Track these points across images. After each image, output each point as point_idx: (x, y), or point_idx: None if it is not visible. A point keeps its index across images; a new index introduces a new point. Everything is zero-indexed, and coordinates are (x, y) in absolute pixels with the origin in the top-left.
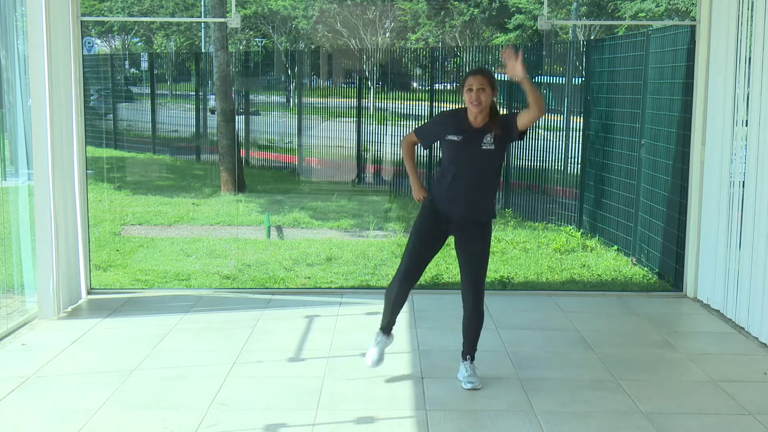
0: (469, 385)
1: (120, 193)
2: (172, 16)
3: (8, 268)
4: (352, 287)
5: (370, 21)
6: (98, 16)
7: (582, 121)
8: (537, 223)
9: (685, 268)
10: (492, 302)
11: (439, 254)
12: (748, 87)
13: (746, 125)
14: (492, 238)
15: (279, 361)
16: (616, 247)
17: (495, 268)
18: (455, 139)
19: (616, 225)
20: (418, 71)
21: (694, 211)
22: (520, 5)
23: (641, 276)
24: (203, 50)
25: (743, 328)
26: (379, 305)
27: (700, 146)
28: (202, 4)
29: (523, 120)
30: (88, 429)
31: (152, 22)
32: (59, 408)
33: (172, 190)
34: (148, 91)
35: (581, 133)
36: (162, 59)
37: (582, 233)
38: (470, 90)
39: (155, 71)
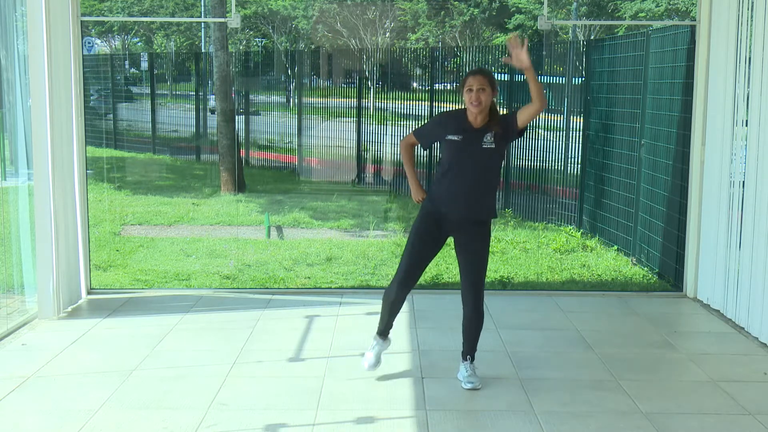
0: (469, 385)
1: (120, 193)
2: (172, 16)
3: (8, 268)
4: (352, 287)
5: (370, 21)
6: (98, 16)
7: (582, 121)
8: (537, 223)
9: (685, 268)
10: (492, 302)
11: (439, 254)
12: (748, 87)
13: (746, 125)
14: (492, 238)
15: (279, 361)
16: (616, 247)
17: (495, 268)
18: (455, 138)
19: (616, 225)
20: (418, 71)
21: (694, 211)
22: (520, 5)
23: (641, 276)
24: (203, 50)
25: (743, 328)
26: (379, 305)
27: (700, 146)
28: (202, 4)
29: (523, 115)
30: (88, 429)
31: (152, 22)
32: (59, 408)
33: (172, 190)
34: (148, 91)
35: (581, 133)
36: (162, 59)
37: (582, 233)
38: (470, 90)
39: (155, 71)
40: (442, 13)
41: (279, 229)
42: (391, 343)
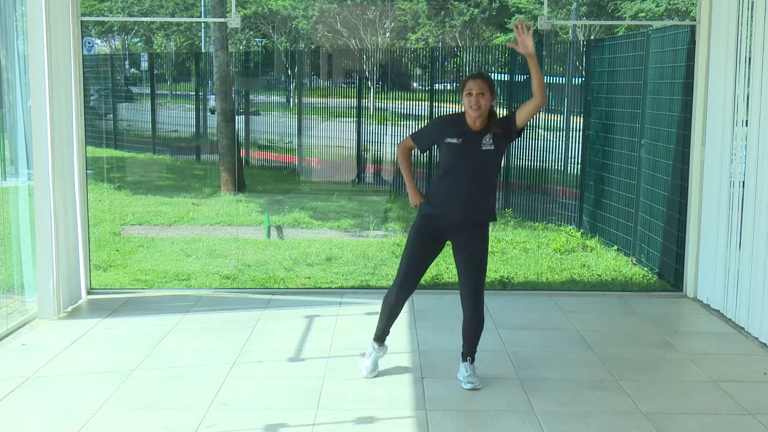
0: (469, 385)
1: (120, 193)
2: (172, 16)
3: (8, 268)
4: (352, 287)
5: (370, 21)
6: (98, 16)
7: (582, 121)
8: (537, 223)
9: (685, 268)
10: (492, 302)
11: (439, 254)
12: (748, 87)
13: (746, 125)
14: (492, 238)
15: (279, 361)
16: (616, 247)
17: (495, 268)
18: (455, 141)
19: (616, 225)
20: (418, 71)
21: (694, 211)
22: (520, 5)
23: (641, 276)
24: (203, 50)
25: (743, 328)
26: (378, 305)
27: (700, 146)
28: (202, 4)
29: (523, 113)
30: (88, 429)
31: (152, 22)
32: (59, 408)
33: (172, 190)
34: (148, 91)
35: (581, 133)
36: (162, 59)
37: (582, 233)
38: (470, 94)
39: (155, 71)
40: (442, 13)
41: (279, 229)
42: (388, 349)
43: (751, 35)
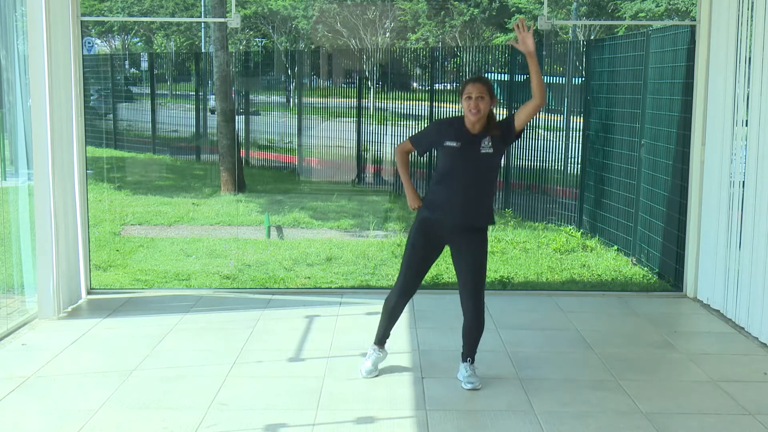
0: (469, 386)
1: (120, 193)
2: (172, 16)
3: (8, 268)
4: (352, 287)
5: (370, 21)
6: (98, 16)
7: (582, 121)
8: (537, 223)
9: (685, 268)
10: (492, 302)
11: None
12: (748, 87)
13: (746, 125)
14: (492, 238)
15: (279, 361)
16: (616, 247)
17: (495, 268)
18: (454, 145)
19: (616, 225)
20: (418, 71)
21: (694, 211)
22: (520, 5)
23: (641, 276)
24: (203, 50)
25: (743, 328)
26: (378, 305)
27: (700, 146)
28: (202, 4)
29: (522, 115)
30: (88, 429)
31: (152, 22)
32: (59, 408)
33: (172, 190)
34: (148, 91)
35: (581, 133)
36: (162, 59)
37: (582, 233)
38: (469, 98)
39: (155, 71)
40: (442, 13)
41: (279, 229)
42: (388, 354)
43: (751, 35)
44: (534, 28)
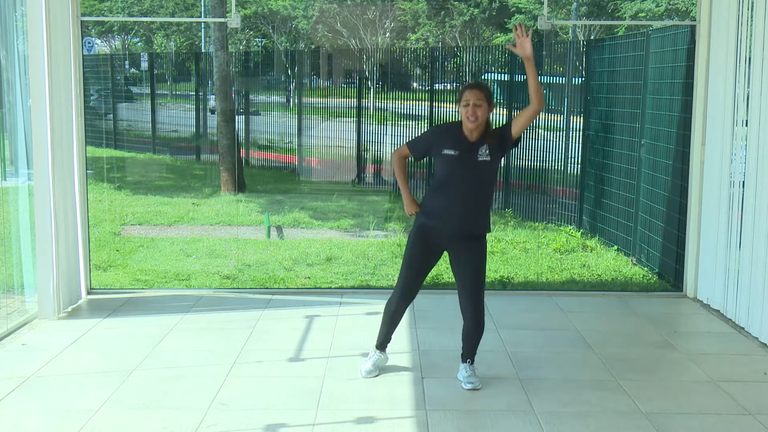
0: (469, 386)
1: (120, 193)
2: (172, 16)
3: (8, 268)
4: (352, 287)
5: (370, 21)
6: (98, 16)
7: (582, 121)
8: (537, 223)
9: (685, 268)
10: (492, 302)
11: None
12: (748, 87)
13: (746, 125)
14: (492, 238)
15: (279, 361)
16: (616, 247)
17: (495, 268)
18: (452, 153)
19: (616, 225)
20: (418, 71)
21: (694, 211)
22: (520, 5)
23: (641, 276)
24: (203, 50)
25: (743, 328)
26: (378, 305)
27: (700, 146)
28: (202, 4)
29: (519, 121)
30: (88, 429)
31: (152, 22)
32: (59, 408)
33: (172, 190)
34: (148, 91)
35: (581, 133)
36: (162, 59)
37: (582, 233)
38: (467, 105)
39: (155, 71)
40: (442, 13)
41: (279, 229)
42: (389, 358)
43: (751, 35)
44: (533, 28)
